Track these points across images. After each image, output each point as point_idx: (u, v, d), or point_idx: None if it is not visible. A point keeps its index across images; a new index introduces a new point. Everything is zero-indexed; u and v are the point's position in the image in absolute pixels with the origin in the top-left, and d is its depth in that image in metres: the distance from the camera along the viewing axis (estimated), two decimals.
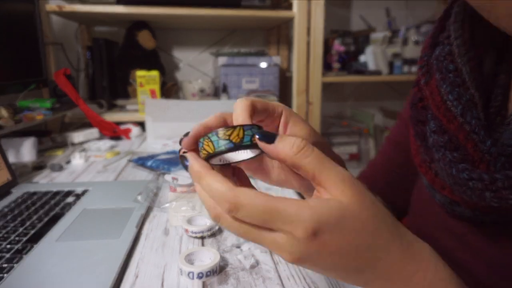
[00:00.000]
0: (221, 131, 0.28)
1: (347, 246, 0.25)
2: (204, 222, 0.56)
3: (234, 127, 0.28)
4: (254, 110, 0.31)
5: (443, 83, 0.38)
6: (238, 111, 0.30)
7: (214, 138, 0.28)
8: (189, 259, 0.46)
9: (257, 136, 0.28)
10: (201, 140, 0.29)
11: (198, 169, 0.28)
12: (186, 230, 0.54)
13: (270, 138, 0.27)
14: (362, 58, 1.63)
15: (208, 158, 0.29)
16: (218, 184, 0.26)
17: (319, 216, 0.24)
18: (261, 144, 0.27)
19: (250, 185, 0.32)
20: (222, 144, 0.28)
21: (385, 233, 0.27)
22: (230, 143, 0.28)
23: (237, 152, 0.30)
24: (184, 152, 0.31)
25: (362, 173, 0.66)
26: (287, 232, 0.25)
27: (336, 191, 0.26)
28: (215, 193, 0.26)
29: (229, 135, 0.28)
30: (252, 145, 0.28)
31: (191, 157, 0.29)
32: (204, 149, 0.29)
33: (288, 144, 0.27)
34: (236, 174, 0.33)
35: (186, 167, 0.30)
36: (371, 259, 0.26)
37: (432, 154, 0.40)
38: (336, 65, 1.62)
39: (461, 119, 0.36)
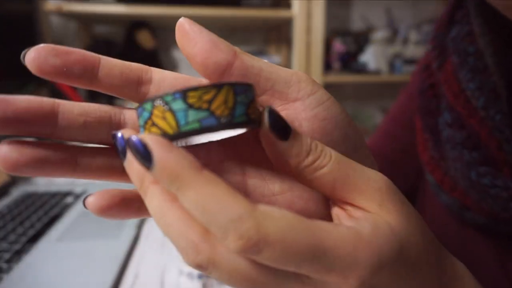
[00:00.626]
0: (192, 92, 0.15)
1: (405, 284, 0.18)
2: None
3: (215, 87, 0.16)
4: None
5: (461, 68, 0.33)
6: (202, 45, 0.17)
7: (177, 105, 0.15)
8: None
9: (270, 120, 0.17)
10: (146, 105, 0.16)
11: (177, 165, 0.15)
12: None
13: (285, 131, 0.17)
14: (362, 58, 1.63)
15: None
16: (226, 200, 0.14)
17: (381, 256, 0.16)
18: (270, 137, 0.17)
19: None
20: (195, 117, 0.15)
21: (438, 253, 0.19)
22: (211, 118, 0.16)
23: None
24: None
25: None
26: (329, 281, 0.16)
27: (371, 207, 0.17)
28: (215, 217, 0.14)
29: (209, 102, 0.15)
30: (246, 123, 0.17)
31: (152, 140, 0.15)
32: (155, 125, 0.16)
33: (305, 150, 0.17)
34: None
35: (138, 153, 0.15)
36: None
37: (443, 150, 0.35)
38: (336, 65, 1.62)
39: (483, 112, 0.30)
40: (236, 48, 0.18)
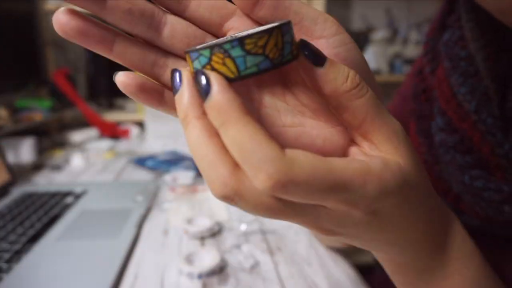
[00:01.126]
0: (248, 40, 0.17)
1: (410, 218, 0.21)
2: (204, 222, 0.56)
3: (267, 32, 0.17)
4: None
5: (453, 72, 0.33)
6: None
7: (236, 52, 0.17)
8: (189, 260, 0.46)
9: (305, 51, 0.18)
10: (204, 52, 0.18)
11: (227, 105, 0.17)
12: (186, 231, 0.54)
13: (320, 58, 0.19)
14: None
15: None
16: (261, 143, 0.16)
17: (386, 187, 0.18)
18: (307, 65, 0.19)
19: None
20: (253, 62, 0.17)
21: (434, 199, 0.23)
22: (267, 61, 0.17)
23: None
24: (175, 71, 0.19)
25: None
26: (342, 209, 0.19)
27: (389, 147, 0.20)
28: (250, 156, 0.16)
29: (263, 47, 0.17)
30: (292, 59, 0.19)
31: (215, 78, 0.17)
32: (214, 69, 0.18)
33: (342, 75, 0.19)
34: None
35: (200, 86, 0.18)
36: (424, 230, 0.22)
37: (436, 154, 0.36)
38: None
39: (475, 116, 0.31)
40: None
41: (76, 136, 1.14)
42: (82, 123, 1.25)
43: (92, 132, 1.18)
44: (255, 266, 0.46)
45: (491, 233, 0.35)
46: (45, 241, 0.51)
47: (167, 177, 0.77)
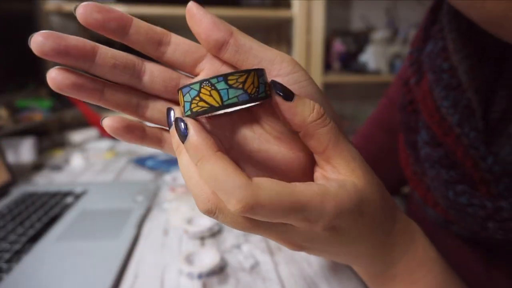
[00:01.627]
0: (231, 76, 0.21)
1: (365, 232, 0.24)
2: (204, 222, 0.56)
3: (246, 72, 0.21)
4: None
5: (436, 85, 0.33)
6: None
7: (221, 86, 0.21)
8: (189, 260, 0.46)
9: (275, 89, 0.22)
10: (194, 86, 0.21)
11: (202, 146, 0.20)
12: (186, 231, 0.54)
13: (289, 94, 0.22)
14: (362, 58, 1.63)
15: (205, 113, 0.21)
16: (230, 174, 0.19)
17: (342, 206, 0.21)
18: (278, 100, 0.22)
19: None
20: (234, 94, 0.21)
21: (391, 212, 0.26)
22: (245, 94, 0.21)
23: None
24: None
25: None
26: (304, 226, 0.22)
27: (348, 169, 0.23)
28: (222, 186, 0.19)
29: (243, 83, 0.21)
30: (265, 97, 0.22)
31: (192, 123, 0.21)
32: (202, 100, 0.21)
33: (308, 108, 0.22)
34: None
35: (179, 131, 0.21)
36: (383, 241, 0.25)
37: (424, 167, 0.35)
38: (336, 65, 1.62)
39: (458, 130, 0.31)
40: (233, 28, 0.22)
41: (76, 136, 1.14)
42: (82, 123, 1.25)
43: (92, 132, 1.18)
44: (255, 266, 0.46)
45: (481, 242, 0.35)
46: (45, 241, 0.51)
47: (167, 177, 0.77)
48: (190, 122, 0.21)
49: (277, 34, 1.68)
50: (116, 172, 0.87)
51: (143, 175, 0.84)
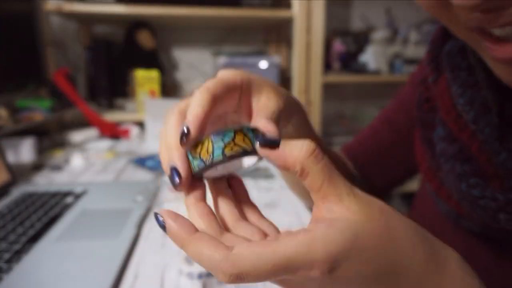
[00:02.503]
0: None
1: (366, 269, 0.22)
2: None
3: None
4: (215, 101, 0.26)
5: (453, 83, 0.34)
6: (197, 114, 0.25)
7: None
8: (189, 260, 0.46)
9: (257, 142, 0.23)
10: (228, 133, 0.24)
11: (179, 233, 0.22)
12: None
13: (273, 142, 0.23)
14: (362, 58, 1.63)
15: (194, 175, 0.25)
16: (211, 250, 0.21)
17: (334, 247, 0.20)
18: (265, 152, 0.23)
19: (247, 197, 0.28)
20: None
21: (403, 243, 0.23)
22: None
23: (230, 162, 0.24)
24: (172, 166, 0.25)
25: (346, 145, 0.60)
26: (301, 276, 0.21)
27: (341, 207, 0.22)
28: (207, 263, 0.21)
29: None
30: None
31: (166, 215, 0.23)
32: (237, 144, 0.24)
33: (296, 147, 0.22)
34: (231, 186, 0.28)
35: (159, 224, 0.24)
36: (391, 276, 0.22)
37: (439, 162, 0.36)
38: (336, 65, 1.62)
39: (473, 126, 0.31)
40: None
41: (76, 136, 1.14)
42: (82, 123, 1.25)
43: (92, 132, 1.18)
44: None
45: (491, 237, 0.35)
46: (45, 241, 0.51)
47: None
48: (164, 214, 0.23)
49: (277, 34, 1.68)
50: (116, 172, 0.87)
51: (143, 175, 0.84)
